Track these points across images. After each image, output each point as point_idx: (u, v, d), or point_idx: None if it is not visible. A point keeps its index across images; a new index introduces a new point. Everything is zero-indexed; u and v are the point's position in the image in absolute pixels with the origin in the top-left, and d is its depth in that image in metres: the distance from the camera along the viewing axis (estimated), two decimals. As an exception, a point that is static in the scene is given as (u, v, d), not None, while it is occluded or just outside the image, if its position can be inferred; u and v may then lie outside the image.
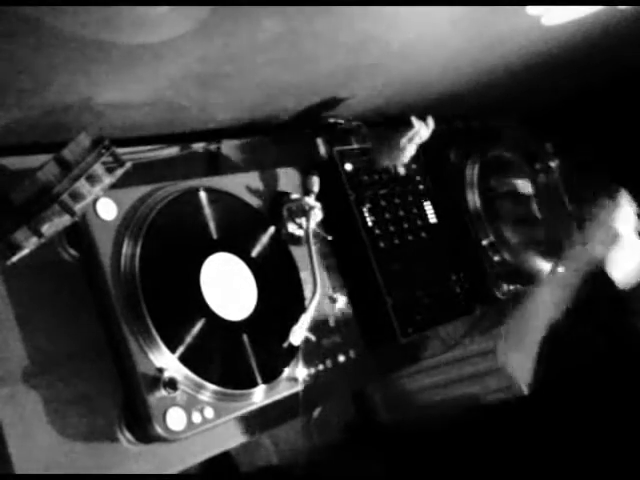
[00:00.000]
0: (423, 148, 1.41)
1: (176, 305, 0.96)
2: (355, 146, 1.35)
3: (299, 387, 1.05)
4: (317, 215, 1.14)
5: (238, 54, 0.98)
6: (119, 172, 0.91)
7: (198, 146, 1.19)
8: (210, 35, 0.88)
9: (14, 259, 0.85)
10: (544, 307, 1.22)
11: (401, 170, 1.40)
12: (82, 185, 0.87)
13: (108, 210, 0.94)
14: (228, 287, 1.02)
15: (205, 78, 1.02)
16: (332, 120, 1.37)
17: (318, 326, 1.12)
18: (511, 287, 1.51)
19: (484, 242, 1.50)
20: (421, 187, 1.43)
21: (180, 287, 0.97)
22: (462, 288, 1.41)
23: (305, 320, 1.01)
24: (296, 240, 1.16)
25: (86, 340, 0.93)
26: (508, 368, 1.26)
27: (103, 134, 0.90)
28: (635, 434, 1.25)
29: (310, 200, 1.15)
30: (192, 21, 0.82)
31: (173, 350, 0.92)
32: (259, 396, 1.00)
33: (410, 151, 1.34)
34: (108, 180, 0.90)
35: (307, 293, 1.12)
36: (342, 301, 1.16)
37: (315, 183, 1.19)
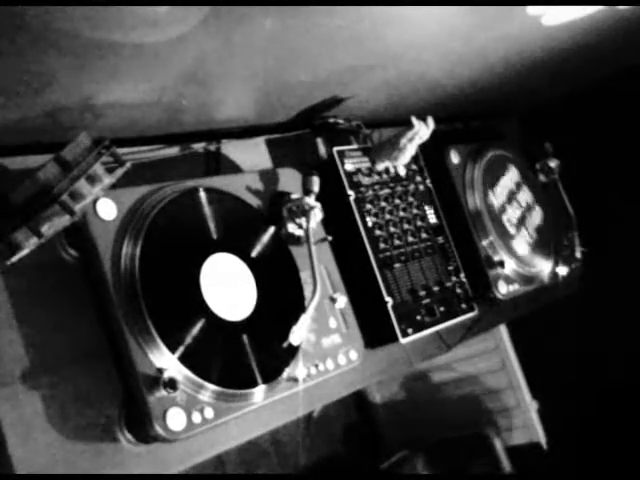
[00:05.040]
0: (423, 148, 1.41)
1: (176, 305, 0.96)
2: (355, 146, 1.35)
3: (299, 387, 1.05)
4: (317, 215, 1.14)
5: (238, 54, 0.98)
6: (119, 172, 0.91)
7: (198, 146, 1.19)
8: (210, 35, 0.88)
9: (14, 259, 0.85)
10: None
11: (401, 170, 1.40)
12: (82, 185, 0.87)
13: (108, 210, 0.94)
14: (228, 287, 1.02)
15: (205, 78, 1.02)
16: (332, 120, 1.37)
17: (318, 326, 1.12)
18: (511, 287, 1.51)
19: (484, 242, 1.50)
20: (421, 187, 1.43)
21: (180, 287, 0.97)
22: (462, 288, 1.41)
23: (305, 320, 1.00)
24: (296, 240, 1.15)
25: (86, 340, 0.93)
26: None
27: (103, 134, 0.90)
28: None
29: (310, 200, 1.15)
30: (192, 21, 0.82)
31: (173, 350, 0.92)
32: (259, 396, 1.00)
33: (410, 151, 1.34)
34: (108, 180, 0.90)
35: (307, 293, 1.12)
36: (342, 301, 1.16)
37: (315, 183, 1.18)
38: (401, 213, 1.36)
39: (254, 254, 1.09)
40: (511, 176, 1.69)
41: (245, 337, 1.01)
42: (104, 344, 0.93)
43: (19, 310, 0.88)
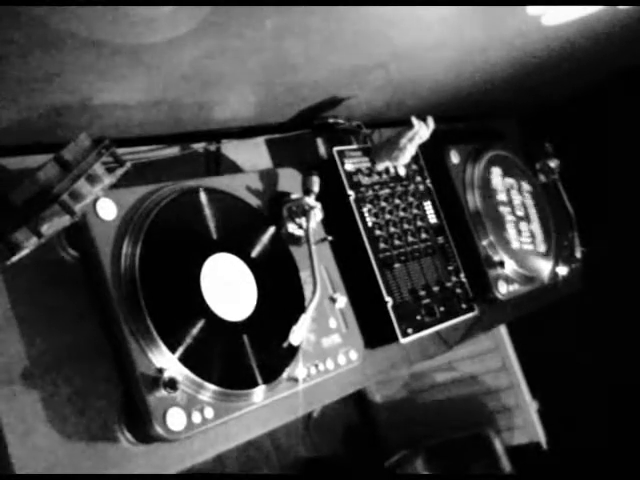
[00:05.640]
0: (423, 148, 1.41)
1: (176, 305, 0.96)
2: (355, 146, 1.35)
3: (299, 387, 1.05)
4: (317, 215, 1.14)
5: (238, 54, 0.98)
6: (119, 172, 0.91)
7: (198, 146, 1.19)
8: (210, 35, 0.88)
9: (14, 259, 0.85)
10: None
11: (401, 170, 1.40)
12: (82, 185, 0.87)
13: (108, 210, 0.94)
14: (228, 287, 1.02)
15: (205, 78, 1.02)
16: (332, 120, 1.37)
17: (318, 326, 1.12)
18: (510, 287, 1.51)
19: (484, 242, 1.50)
20: (421, 187, 1.43)
21: (180, 287, 0.97)
22: (462, 288, 1.41)
23: (305, 320, 1.00)
24: (296, 240, 1.16)
25: (86, 340, 0.93)
26: None
27: (103, 134, 0.90)
28: None
29: (310, 200, 1.15)
30: (192, 21, 0.82)
31: (173, 350, 0.92)
32: (259, 396, 1.00)
33: (410, 151, 1.34)
34: (108, 180, 0.90)
35: (307, 293, 1.12)
36: (342, 301, 1.16)
37: (315, 183, 1.19)
38: (401, 213, 1.36)
39: (254, 254, 1.09)
40: (511, 176, 1.69)
41: (245, 337, 1.01)
42: (104, 344, 0.93)
43: (19, 310, 0.88)
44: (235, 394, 0.97)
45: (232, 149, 1.25)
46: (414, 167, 1.43)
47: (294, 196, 1.17)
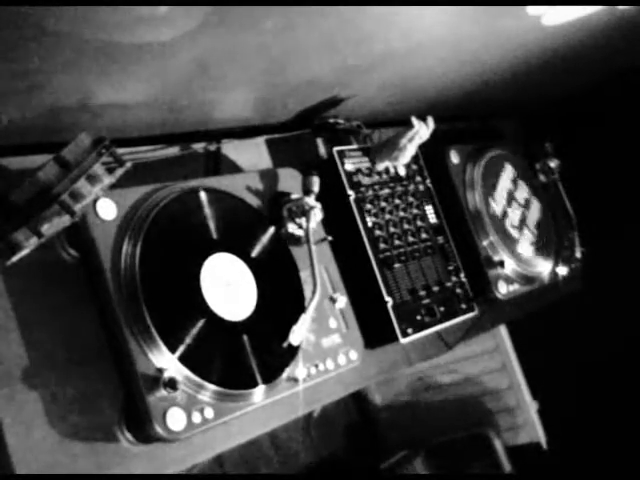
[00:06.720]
0: (423, 148, 1.41)
1: (176, 305, 0.96)
2: (355, 146, 1.35)
3: (299, 387, 1.05)
4: (317, 215, 1.14)
5: (238, 54, 0.98)
6: (119, 172, 0.91)
7: (198, 146, 1.19)
8: (210, 35, 0.88)
9: (14, 259, 0.85)
10: None
11: (401, 170, 1.40)
12: (82, 185, 0.87)
13: (108, 210, 0.94)
14: (228, 287, 1.02)
15: (205, 78, 1.02)
16: (332, 120, 1.37)
17: (318, 326, 1.12)
18: (510, 287, 1.51)
19: (484, 242, 1.50)
20: (421, 187, 1.43)
21: (180, 287, 0.97)
22: (462, 288, 1.41)
23: (305, 320, 1.00)
24: (296, 240, 1.15)
25: (86, 340, 0.93)
26: None
27: (103, 134, 0.90)
28: None
29: (310, 200, 1.15)
30: (192, 21, 0.82)
31: (173, 350, 0.92)
32: (259, 396, 1.00)
33: (410, 151, 1.34)
34: (108, 180, 0.90)
35: (307, 293, 1.12)
36: (342, 301, 1.16)
37: (315, 183, 1.19)
38: (401, 213, 1.36)
39: (254, 254, 1.09)
40: (511, 176, 1.69)
41: (245, 337, 1.01)
42: (104, 344, 0.93)
43: (19, 310, 0.88)
44: (235, 394, 0.97)
45: (232, 149, 1.25)
46: (414, 167, 1.43)
47: (294, 196, 1.17)
